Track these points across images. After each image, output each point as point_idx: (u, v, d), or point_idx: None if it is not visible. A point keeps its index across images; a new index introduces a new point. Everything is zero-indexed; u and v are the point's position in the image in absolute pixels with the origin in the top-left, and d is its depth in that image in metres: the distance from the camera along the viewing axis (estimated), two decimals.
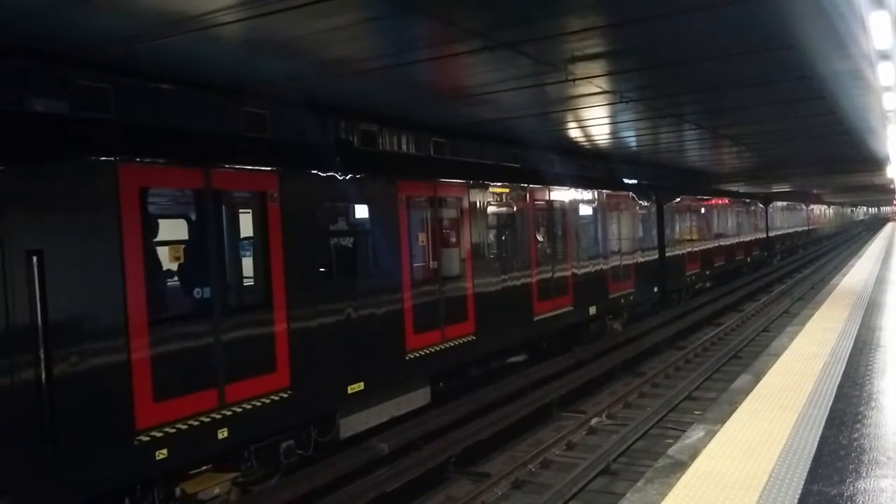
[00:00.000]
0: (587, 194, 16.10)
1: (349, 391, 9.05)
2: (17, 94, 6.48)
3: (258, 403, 7.81)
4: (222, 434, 7.42)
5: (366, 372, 9.26)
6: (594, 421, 11.72)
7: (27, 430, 5.81)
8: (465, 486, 9.19)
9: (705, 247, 25.20)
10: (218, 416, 7.37)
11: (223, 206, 7.75)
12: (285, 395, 8.14)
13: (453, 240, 11.45)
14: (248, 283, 8.31)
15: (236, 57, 8.72)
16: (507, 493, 9.04)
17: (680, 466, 5.87)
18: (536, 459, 9.89)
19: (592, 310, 15.51)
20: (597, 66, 10.74)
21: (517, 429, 11.17)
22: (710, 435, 6.54)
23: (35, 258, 5.85)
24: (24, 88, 6.59)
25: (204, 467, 7.66)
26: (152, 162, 7.05)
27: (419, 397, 10.45)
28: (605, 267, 16.40)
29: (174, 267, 7.78)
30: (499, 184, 12.81)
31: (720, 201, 28.98)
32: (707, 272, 25.35)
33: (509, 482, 9.19)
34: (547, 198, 14.28)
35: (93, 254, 6.40)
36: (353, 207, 9.56)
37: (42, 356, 5.88)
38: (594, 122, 16.29)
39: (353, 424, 9.28)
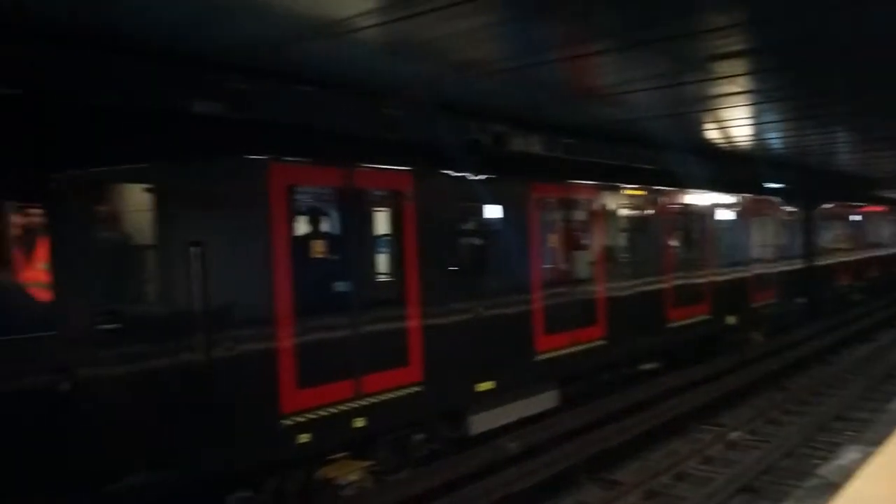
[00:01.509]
0: (727, 198, 15.39)
1: (478, 389, 9.16)
2: (178, 98, 7.05)
3: (392, 396, 8.06)
4: (358, 423, 7.71)
5: (495, 371, 9.33)
6: (734, 435, 11.14)
7: (189, 406, 6.29)
8: (594, 493, 9.02)
9: (858, 256, 23.38)
10: (355, 406, 7.68)
11: (362, 204, 8.07)
12: (417, 390, 8.34)
13: (585, 242, 11.31)
14: (384, 279, 8.61)
15: (374, 60, 9.04)
16: (639, 502, 8.78)
17: (831, 488, 5.46)
18: (671, 471, 9.55)
19: (731, 319, 14.79)
20: (739, 65, 10.26)
21: (650, 438, 10.82)
22: (866, 456, 6.03)
23: (196, 249, 6.34)
24: (185, 92, 7.15)
25: (341, 454, 7.96)
26: (299, 161, 7.48)
27: (547, 399, 10.39)
28: (746, 275, 15.60)
29: (317, 261, 8.16)
30: (632, 186, 12.51)
31: (876, 208, 26.80)
32: (860, 284, 23.49)
33: (641, 492, 8.91)
34: (683, 201, 13.79)
35: (245, 247, 6.85)
36: (486, 208, 9.66)
37: (201, 340, 6.35)
38: (735, 122, 15.52)
39: (481, 422, 9.36)
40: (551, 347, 10.21)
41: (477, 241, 9.52)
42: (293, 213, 7.32)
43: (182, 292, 6.26)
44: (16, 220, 5.53)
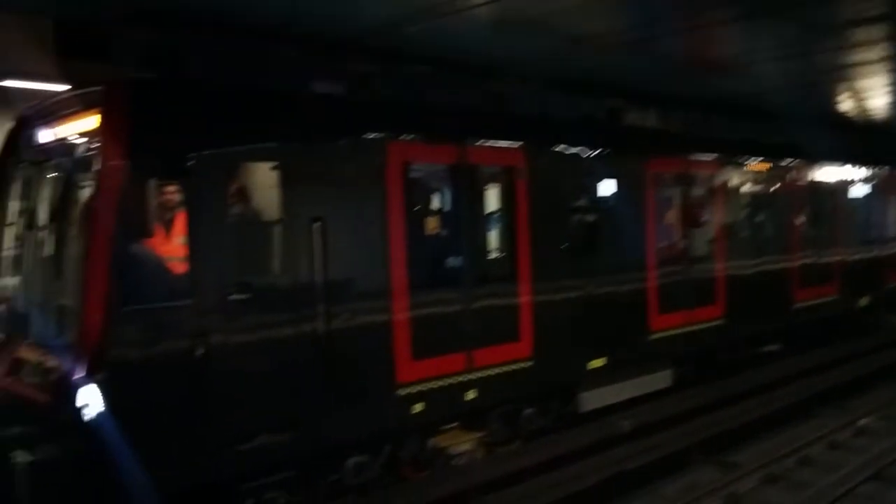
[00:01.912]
0: (860, 172, 14.39)
1: (589, 366, 9.11)
2: (302, 79, 7.34)
3: (502, 370, 8.15)
4: (470, 395, 7.86)
5: (607, 349, 9.25)
6: (863, 421, 10.51)
7: (310, 373, 6.62)
8: (709, 474, 8.78)
9: None
10: (466, 379, 7.83)
11: (475, 181, 8.14)
12: (527, 365, 8.40)
13: (704, 219, 10.92)
14: (496, 255, 8.67)
15: (487, 37, 9.05)
16: (759, 486, 8.47)
17: None
18: (794, 455, 9.15)
19: (864, 301, 13.88)
20: (879, 30, 9.53)
21: (771, 422, 10.38)
22: None
23: (318, 224, 6.63)
24: (308, 73, 7.43)
25: (453, 425, 8.15)
26: (415, 139, 7.63)
27: (661, 379, 10.19)
28: (880, 254, 14.56)
29: (431, 237, 8.32)
30: (754, 160, 11.94)
31: None
32: None
33: (761, 475, 8.59)
34: (810, 176, 13.02)
35: (362, 223, 7.08)
36: (599, 184, 9.52)
37: (321, 311, 6.66)
38: (871, 92, 14.44)
39: (592, 400, 9.32)
40: (666, 326, 10.00)
41: (590, 218, 9.40)
42: (408, 190, 7.49)
43: (304, 266, 6.56)
44: (156, 196, 5.96)
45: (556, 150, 9.03)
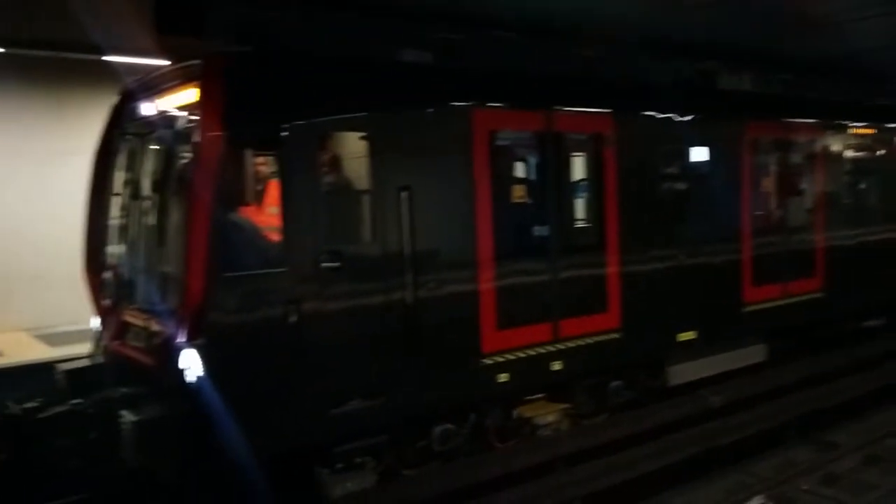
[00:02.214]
0: None
1: (679, 339, 8.89)
2: (390, 48, 7.32)
3: (589, 341, 8.05)
4: (556, 366, 7.81)
5: (697, 321, 9.00)
6: None
7: (397, 341, 6.70)
8: (805, 453, 8.47)
9: None
10: (552, 349, 7.77)
11: (562, 148, 7.98)
12: (615, 336, 8.27)
13: (803, 187, 10.39)
14: (583, 224, 8.50)
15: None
16: (858, 467, 8.11)
17: None
18: None
19: None
20: None
21: (873, 401, 9.90)
22: None
23: (405, 193, 6.64)
24: (395, 42, 7.39)
25: (539, 395, 8.12)
26: (501, 107, 7.52)
27: (754, 353, 9.86)
28: None
29: (517, 206, 8.22)
30: (857, 124, 11.23)
31: None
32: None
33: (861, 455, 8.22)
34: None
35: (449, 192, 7.06)
36: (692, 150, 9.16)
37: (408, 280, 6.71)
38: None
39: (681, 373, 9.11)
40: (761, 299, 9.64)
41: (682, 186, 9.08)
42: (494, 157, 7.40)
43: (392, 235, 6.61)
44: (252, 166, 6.10)
45: (646, 115, 8.73)
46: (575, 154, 8.45)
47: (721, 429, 8.52)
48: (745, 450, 8.41)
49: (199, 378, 5.64)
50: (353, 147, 6.73)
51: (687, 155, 9.20)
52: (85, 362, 7.19)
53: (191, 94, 6.08)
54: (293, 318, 6.04)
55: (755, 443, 8.51)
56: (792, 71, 13.58)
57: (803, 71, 13.77)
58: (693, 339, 8.96)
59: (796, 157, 10.44)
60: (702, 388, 9.17)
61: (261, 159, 6.24)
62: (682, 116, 8.94)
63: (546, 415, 8.00)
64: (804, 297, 10.19)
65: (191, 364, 5.66)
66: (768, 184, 10.19)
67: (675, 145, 9.07)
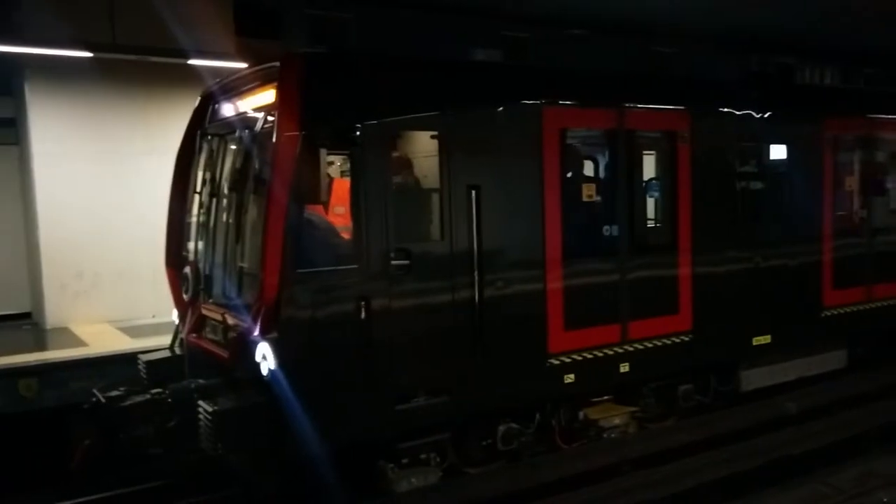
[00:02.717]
0: None
1: (753, 343, 8.64)
2: (462, 46, 7.35)
3: (659, 343, 7.91)
4: (624, 368, 7.70)
5: (773, 325, 8.73)
6: None
7: (463, 340, 6.73)
8: (888, 463, 8.09)
9: None
10: (620, 351, 7.66)
11: (633, 146, 7.86)
12: (686, 339, 8.10)
13: (888, 186, 9.94)
14: (654, 223, 8.35)
15: None
16: None
17: None
18: None
19: None
20: None
21: None
22: None
23: (474, 192, 6.66)
24: (466, 41, 7.43)
25: (605, 397, 8.02)
26: (571, 104, 7.45)
27: (833, 359, 9.51)
28: None
29: (586, 205, 8.14)
30: None
31: None
32: None
33: None
34: None
35: (517, 191, 7.04)
36: (769, 148, 8.90)
37: (476, 279, 6.73)
38: None
39: (755, 378, 8.87)
40: (842, 303, 9.29)
41: (758, 185, 8.83)
42: (564, 156, 7.35)
43: (461, 233, 6.63)
44: (327, 166, 6.21)
45: (722, 112, 8.50)
46: (647, 152, 8.31)
47: (796, 437, 8.23)
48: (822, 459, 8.11)
49: (272, 371, 5.79)
50: (423, 146, 6.80)
51: (764, 153, 8.94)
52: (165, 354, 7.48)
53: (268, 96, 6.26)
54: (363, 315, 6.14)
55: (833, 452, 8.18)
56: (875, 65, 13.03)
57: (887, 65, 13.19)
58: (768, 344, 8.69)
59: (880, 155, 9.99)
60: (777, 395, 8.88)
61: (336, 158, 6.35)
62: (758, 113, 8.67)
63: (613, 417, 7.90)
64: (889, 302, 9.76)
65: (265, 357, 5.83)
66: (850, 182, 9.78)
67: (751, 143, 8.83)
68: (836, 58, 12.51)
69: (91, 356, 8.95)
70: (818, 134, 9.16)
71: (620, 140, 7.69)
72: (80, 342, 9.69)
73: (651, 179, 8.40)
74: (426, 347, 6.52)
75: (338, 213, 6.82)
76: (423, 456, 6.74)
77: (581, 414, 7.79)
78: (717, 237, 8.28)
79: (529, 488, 6.82)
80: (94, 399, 6.73)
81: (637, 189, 8.01)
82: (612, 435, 7.85)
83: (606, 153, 7.95)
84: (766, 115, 8.71)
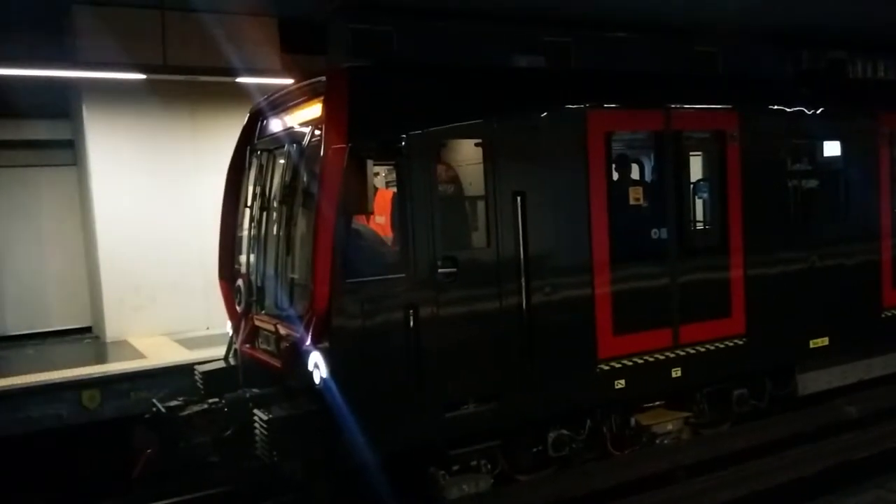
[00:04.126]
0: None
1: (811, 345, 8.42)
2: (505, 55, 7.39)
3: (711, 347, 7.78)
4: (675, 373, 7.59)
5: (831, 327, 8.50)
6: None
7: (512, 346, 6.73)
8: None
9: None
10: (672, 355, 7.56)
11: (681, 148, 7.76)
12: (739, 342, 7.94)
13: None
14: (704, 225, 8.23)
15: None
16: None
17: None
18: None
19: None
20: None
21: None
22: None
23: (519, 199, 6.67)
24: (511, 48, 7.46)
25: (657, 403, 7.92)
26: (615, 107, 7.41)
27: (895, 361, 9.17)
28: None
29: (633, 208, 8.07)
30: None
31: None
32: None
33: None
34: None
35: (563, 196, 7.01)
36: (822, 145, 8.69)
37: (523, 285, 6.72)
38: None
39: (812, 382, 8.64)
40: None
41: (812, 183, 8.61)
42: (610, 160, 7.31)
43: (507, 240, 6.64)
44: (374, 177, 6.30)
45: (773, 110, 8.34)
46: (695, 153, 8.20)
47: (858, 441, 7.98)
48: (885, 464, 7.85)
49: (324, 379, 5.89)
50: (468, 154, 6.84)
51: (817, 150, 8.74)
52: (220, 364, 7.66)
53: (315, 110, 6.39)
54: (411, 323, 6.19)
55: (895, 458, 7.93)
56: None
57: None
58: (826, 346, 8.47)
59: None
60: (837, 398, 8.63)
61: (382, 169, 6.44)
62: (810, 110, 8.48)
63: (665, 423, 7.78)
64: None
65: (317, 366, 5.93)
66: None
67: (803, 140, 8.62)
68: (889, 51, 12.15)
69: (150, 368, 9.22)
70: (873, 129, 8.90)
71: (667, 141, 7.60)
72: (139, 354, 9.99)
73: (700, 180, 8.29)
74: (474, 354, 6.54)
75: (378, 223, 6.89)
76: (473, 463, 6.75)
77: (633, 420, 7.69)
78: (770, 238, 8.10)
79: (581, 496, 6.77)
80: (154, 409, 6.93)
81: (685, 190, 7.91)
82: (665, 441, 7.74)
83: (653, 155, 7.88)
84: (818, 112, 8.51)
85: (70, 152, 11.95)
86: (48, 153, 11.99)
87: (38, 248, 11.88)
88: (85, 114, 10.90)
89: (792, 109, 8.40)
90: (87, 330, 12.01)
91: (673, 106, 7.63)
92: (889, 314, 8.95)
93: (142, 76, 9.74)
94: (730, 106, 7.98)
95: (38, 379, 8.77)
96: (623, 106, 7.49)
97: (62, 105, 11.64)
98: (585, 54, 8.12)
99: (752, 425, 8.18)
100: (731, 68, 9.25)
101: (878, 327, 8.94)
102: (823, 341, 8.45)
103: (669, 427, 7.81)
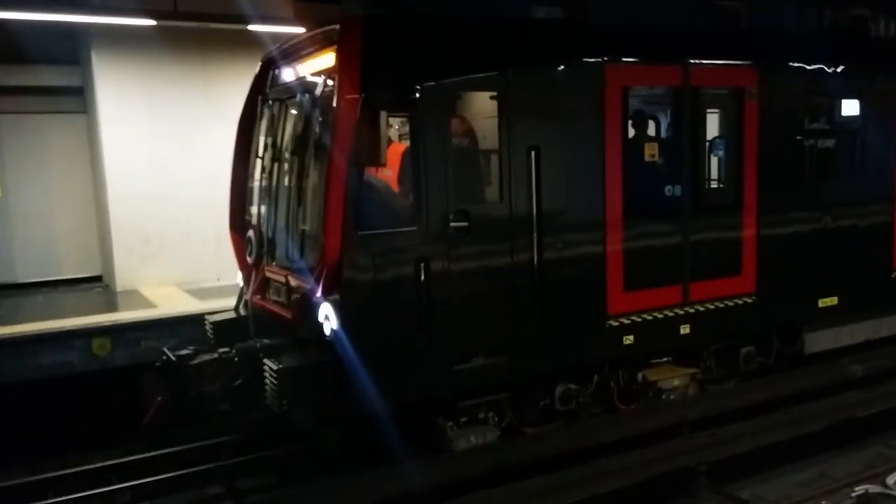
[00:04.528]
0: None
1: (819, 305, 8.44)
2: (522, 6, 7.23)
3: (721, 305, 7.80)
4: (684, 330, 7.62)
5: (841, 287, 8.50)
6: None
7: (522, 301, 6.74)
8: None
9: None
10: (681, 312, 7.58)
11: (699, 104, 7.65)
12: (749, 301, 7.95)
13: None
14: (718, 183, 8.16)
15: None
16: None
17: None
18: None
19: None
20: None
21: None
22: None
23: (533, 153, 6.60)
24: None
25: (665, 359, 7.96)
26: (634, 62, 7.28)
27: None
28: None
29: (649, 165, 7.98)
30: None
31: None
32: None
33: None
34: None
35: (577, 151, 6.94)
36: (841, 104, 8.55)
37: (535, 240, 6.71)
38: None
39: (820, 341, 8.69)
40: None
41: (829, 143, 8.51)
42: (627, 115, 7.21)
43: (520, 195, 6.61)
44: (387, 128, 6.23)
45: (792, 67, 8.18)
46: (712, 110, 8.09)
47: (862, 399, 8.06)
48: (889, 422, 7.93)
49: (334, 331, 5.93)
50: (482, 107, 6.75)
51: (835, 109, 8.61)
52: (230, 315, 7.71)
53: (328, 59, 6.29)
54: (422, 276, 6.20)
55: None
56: None
57: None
58: (835, 305, 8.48)
59: None
60: (843, 357, 8.68)
61: (395, 120, 6.36)
62: (830, 68, 8.32)
63: (672, 379, 7.83)
64: None
65: (327, 318, 5.97)
66: None
67: (822, 99, 8.49)
68: None
69: (160, 317, 9.29)
70: (894, 89, 8.74)
71: (685, 98, 7.49)
72: (149, 304, 10.06)
73: (716, 138, 8.19)
74: (485, 309, 6.57)
75: (386, 175, 6.84)
76: (481, 415, 6.84)
77: (640, 375, 7.74)
78: (784, 197, 8.04)
79: (587, 448, 6.85)
80: (164, 358, 6.99)
81: (701, 148, 7.82)
82: (671, 396, 7.81)
83: (670, 111, 7.77)
84: (838, 70, 8.35)
85: (80, 99, 11.84)
86: (57, 100, 11.84)
87: (47, 197, 11.83)
88: (94, 60, 10.76)
89: (811, 67, 8.24)
90: (98, 279, 12.07)
91: (692, 61, 7.49)
92: None
93: (152, 22, 9.58)
94: (749, 62, 7.82)
95: (48, 326, 8.84)
96: (641, 60, 7.35)
97: (72, 51, 11.49)
98: (604, 6, 7.91)
99: (758, 382, 8.25)
100: (752, 23, 9.01)
101: (888, 288, 8.93)
102: (833, 301, 8.46)
103: (676, 383, 7.86)
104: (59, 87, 11.73)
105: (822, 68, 8.27)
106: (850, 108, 8.61)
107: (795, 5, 10.21)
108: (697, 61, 7.54)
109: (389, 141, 6.56)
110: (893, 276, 8.95)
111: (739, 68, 7.82)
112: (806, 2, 10.25)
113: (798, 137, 8.27)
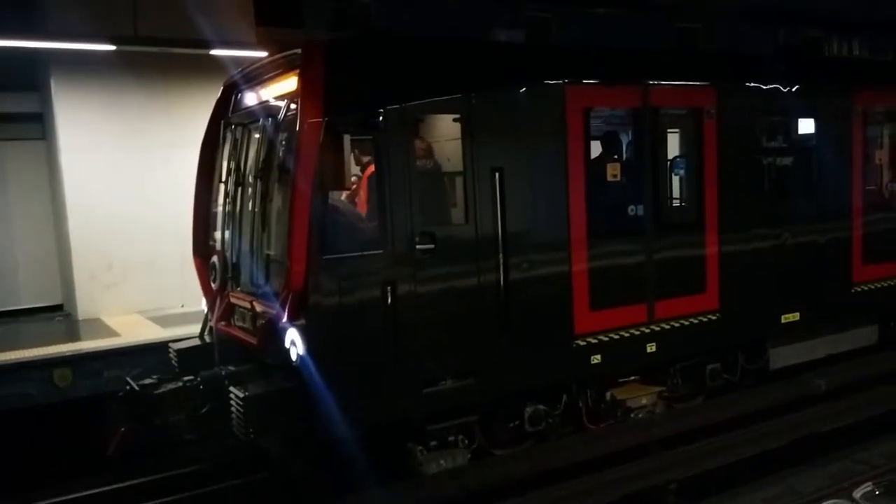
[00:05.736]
0: None
1: (782, 321, 8.55)
2: (485, 29, 7.31)
3: (686, 322, 7.86)
4: (650, 348, 7.67)
5: (802, 302, 8.63)
6: None
7: (489, 322, 6.72)
8: None
9: None
10: (647, 331, 7.63)
11: (659, 124, 7.78)
12: (713, 318, 8.04)
13: None
14: (680, 202, 8.28)
15: None
16: None
17: None
18: None
19: None
20: None
21: None
22: None
23: (498, 175, 6.63)
24: (491, 22, 7.37)
25: (632, 378, 7.99)
26: (594, 83, 7.38)
27: (864, 336, 9.39)
28: None
29: (611, 185, 8.08)
30: None
31: None
32: None
33: None
34: None
35: (541, 172, 6.98)
36: (798, 122, 8.75)
37: (501, 261, 6.71)
38: None
39: (784, 356, 8.79)
40: (872, 279, 9.16)
41: (787, 161, 8.69)
42: (588, 136, 7.29)
43: (485, 216, 6.61)
44: (350, 151, 6.21)
45: (749, 87, 8.37)
46: (672, 129, 8.22)
47: (826, 414, 8.18)
48: (853, 436, 8.05)
49: (300, 356, 5.85)
50: (446, 129, 6.78)
51: (792, 127, 8.81)
52: (195, 342, 7.58)
53: (291, 83, 6.27)
54: (389, 300, 6.16)
55: (864, 429, 8.12)
56: None
57: None
58: (797, 321, 8.61)
59: None
60: (806, 372, 8.81)
61: (359, 143, 6.35)
62: (786, 87, 8.53)
63: (640, 397, 7.88)
64: None
65: (293, 343, 5.89)
66: (881, 156, 9.60)
67: (779, 118, 8.69)
68: (864, 29, 12.23)
69: (123, 346, 9.10)
70: (847, 107, 8.98)
71: (645, 118, 7.60)
72: (111, 332, 9.85)
73: (676, 157, 8.32)
74: (452, 331, 6.54)
75: (368, 198, 6.79)
76: (451, 438, 6.78)
77: (608, 394, 7.76)
78: (745, 215, 8.18)
79: (557, 468, 6.85)
80: (128, 387, 6.85)
81: (662, 167, 7.94)
82: (640, 415, 7.84)
83: (631, 132, 7.88)
84: (793, 90, 8.57)
85: (39, 125, 11.66)
86: (15, 126, 11.66)
87: (5, 225, 11.60)
88: (53, 86, 10.61)
89: (768, 87, 8.44)
90: (59, 308, 11.81)
91: (651, 83, 7.62)
92: (859, 290, 9.11)
93: (111, 47, 9.49)
94: (707, 83, 7.99)
95: (6, 358, 8.61)
96: (602, 82, 7.45)
97: (30, 76, 11.32)
98: (566, 30, 8.05)
99: (725, 399, 8.33)
100: (710, 46, 9.24)
101: (848, 303, 9.10)
102: (795, 316, 8.59)
103: (644, 401, 7.92)
104: (17, 114, 11.54)
105: (779, 88, 8.48)
106: (807, 126, 8.81)
107: (752, 26, 10.50)
108: (656, 82, 7.68)
109: (366, 165, 6.56)
110: (853, 290, 9.12)
111: (698, 89, 7.97)
112: (761, 23, 10.53)
113: (756, 156, 8.43)
